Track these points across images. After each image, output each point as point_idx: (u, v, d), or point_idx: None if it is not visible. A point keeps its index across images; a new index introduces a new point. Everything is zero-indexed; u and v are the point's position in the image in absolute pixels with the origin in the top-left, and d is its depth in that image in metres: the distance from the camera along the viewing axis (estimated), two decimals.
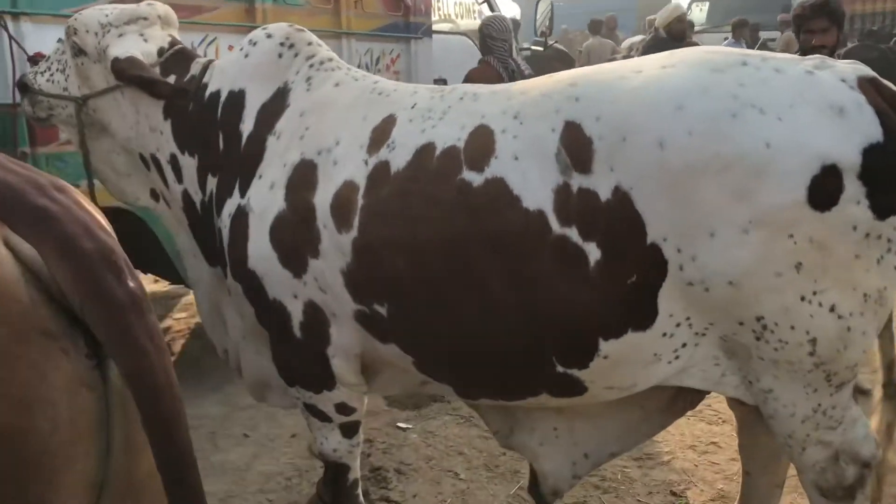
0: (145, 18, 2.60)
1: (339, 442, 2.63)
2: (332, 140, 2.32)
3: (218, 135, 2.51)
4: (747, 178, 1.84)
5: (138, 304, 1.18)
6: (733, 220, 1.86)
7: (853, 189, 1.83)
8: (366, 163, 2.24)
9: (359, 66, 4.92)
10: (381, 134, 2.27)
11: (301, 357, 2.45)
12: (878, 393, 2.27)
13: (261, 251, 2.33)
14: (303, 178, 2.30)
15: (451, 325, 2.16)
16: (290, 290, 2.34)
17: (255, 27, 4.06)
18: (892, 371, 2.25)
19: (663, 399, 2.37)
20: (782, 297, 1.90)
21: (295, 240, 2.28)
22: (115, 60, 2.50)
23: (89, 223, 1.22)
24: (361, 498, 2.79)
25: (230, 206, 2.44)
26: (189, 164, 2.59)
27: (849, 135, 1.82)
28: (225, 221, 2.46)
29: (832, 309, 1.90)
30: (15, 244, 1.14)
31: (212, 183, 2.55)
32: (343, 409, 2.55)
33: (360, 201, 2.21)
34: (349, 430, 2.63)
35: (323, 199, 2.26)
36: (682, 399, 2.36)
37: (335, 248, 2.24)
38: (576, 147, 1.99)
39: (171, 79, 2.58)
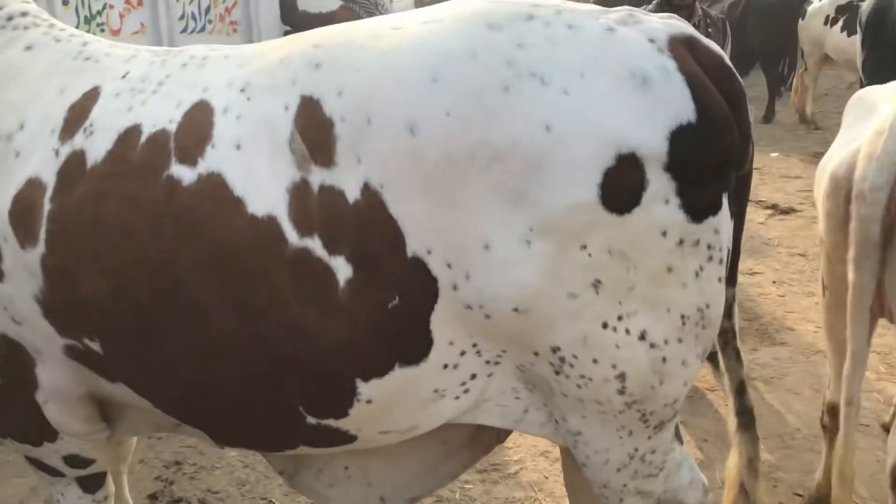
0: None
1: (78, 499, 2.10)
2: (14, 123, 1.74)
3: None
4: (523, 173, 1.39)
5: None
6: (510, 228, 1.41)
7: (659, 184, 1.40)
8: (56, 153, 1.68)
9: (182, 18, 4.30)
10: (79, 113, 1.71)
11: (4, 405, 1.90)
12: (731, 423, 1.89)
13: None
14: None
15: (171, 364, 1.65)
16: None
17: None
18: (742, 395, 1.87)
19: (465, 434, 1.94)
20: (579, 323, 1.47)
21: None
22: None
23: None
24: None
25: None
26: None
27: (652, 113, 1.39)
28: None
29: (642, 336, 1.49)
30: None
31: None
32: (75, 461, 2.02)
33: (48, 206, 1.65)
34: (90, 484, 2.10)
35: (1, 204, 1.69)
36: (488, 433, 1.94)
37: (22, 268, 1.68)
38: (314, 131, 1.49)
39: None
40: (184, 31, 4.33)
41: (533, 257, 1.42)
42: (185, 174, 1.55)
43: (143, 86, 1.70)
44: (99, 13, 3.87)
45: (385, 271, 1.49)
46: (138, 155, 1.60)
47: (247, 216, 1.51)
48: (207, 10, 4.50)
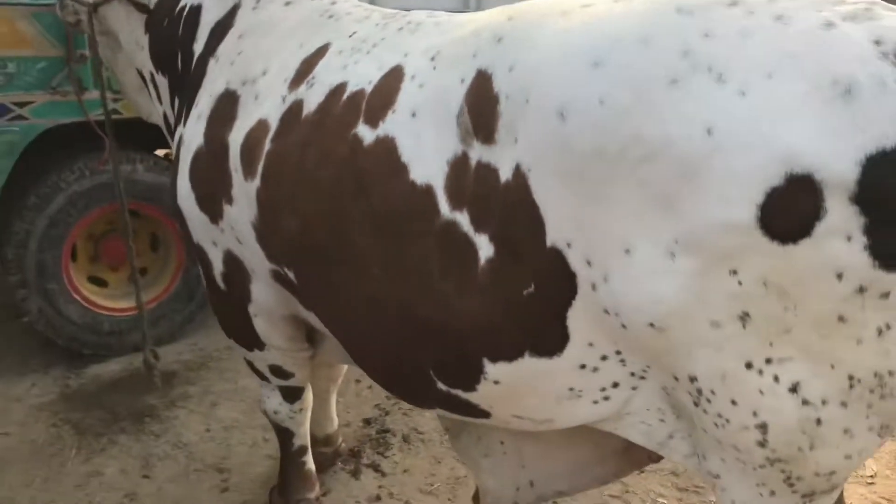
0: None
1: (279, 404, 2.40)
2: (259, 69, 1.98)
3: (177, 53, 2.27)
4: (675, 178, 1.24)
5: None
6: (655, 235, 1.28)
7: (841, 216, 1.15)
8: (283, 100, 1.88)
9: None
10: (308, 66, 1.89)
11: (226, 310, 2.22)
12: None
13: (183, 189, 2.09)
14: (222, 110, 2.00)
15: (341, 307, 1.79)
16: (208, 235, 2.08)
17: None
18: None
19: (617, 443, 1.83)
20: (720, 357, 1.30)
21: (210, 181, 2.00)
22: None
23: None
24: (311, 465, 2.56)
25: (177, 135, 2.22)
26: (162, 83, 2.39)
27: (847, 131, 1.14)
28: (174, 151, 2.24)
29: (793, 388, 1.27)
30: None
31: (177, 106, 2.33)
32: (278, 372, 2.30)
33: (268, 146, 1.86)
34: (290, 395, 2.38)
35: (236, 137, 1.94)
36: (639, 449, 1.80)
37: (244, 196, 1.93)
38: (481, 106, 1.48)
39: None
40: None
41: (675, 272, 1.27)
42: (366, 134, 1.64)
43: (361, 46, 1.82)
44: None
45: (524, 257, 1.44)
46: (338, 111, 1.73)
47: (408, 182, 1.56)
48: None
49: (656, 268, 1.29)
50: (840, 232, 1.16)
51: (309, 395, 2.45)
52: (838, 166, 1.13)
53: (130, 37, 2.46)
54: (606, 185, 1.31)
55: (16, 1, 3.01)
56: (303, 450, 2.51)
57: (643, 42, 1.29)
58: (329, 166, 1.70)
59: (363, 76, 1.73)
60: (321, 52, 1.89)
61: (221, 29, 2.14)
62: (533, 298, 1.46)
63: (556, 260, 1.40)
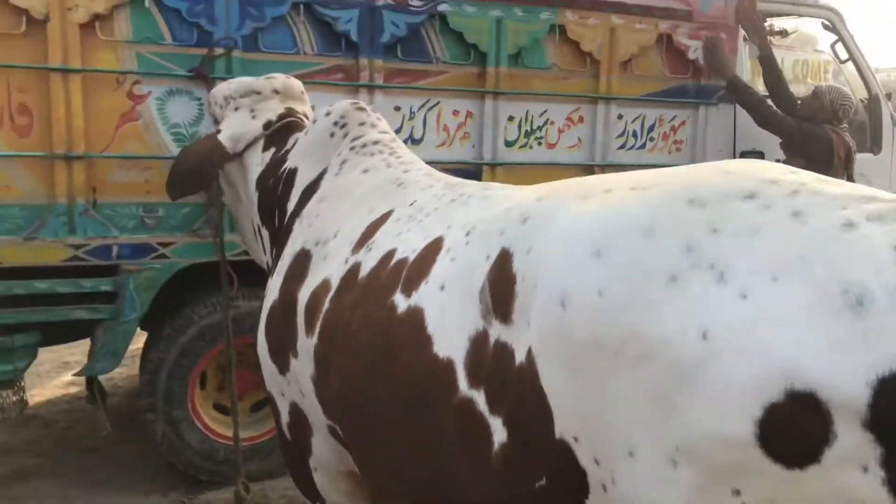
0: (258, 93, 2.67)
1: None
2: (332, 231, 2.10)
3: (275, 211, 2.46)
4: (671, 380, 1.15)
5: None
6: (658, 439, 1.18)
7: (853, 443, 1.01)
8: (346, 261, 1.97)
9: (622, 135, 4.48)
10: (371, 231, 1.98)
11: (290, 459, 2.26)
12: None
13: (260, 338, 2.21)
14: (297, 268, 2.12)
15: (370, 469, 1.79)
16: (277, 386, 2.17)
17: (486, 92, 4.01)
18: None
19: None
20: None
21: (281, 334, 2.11)
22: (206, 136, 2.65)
23: None
24: None
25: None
26: (265, 235, 2.59)
27: (856, 346, 1.01)
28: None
29: None
30: None
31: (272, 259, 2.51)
32: None
33: (326, 305, 1.94)
34: None
35: (304, 295, 2.04)
36: None
37: (305, 352, 2.01)
38: (500, 285, 1.47)
39: (269, 153, 2.59)
40: (621, 147, 4.50)
41: (678, 483, 1.15)
42: (400, 302, 1.67)
43: (416, 214, 1.89)
44: (539, 128, 4.29)
45: (535, 448, 1.37)
46: (384, 276, 1.78)
47: (431, 354, 1.55)
48: (651, 128, 4.59)
49: (659, 476, 1.18)
50: (854, 461, 1.01)
51: None
52: (846, 386, 1.00)
53: (246, 191, 2.71)
54: (608, 379, 1.23)
55: (168, 155, 3.42)
56: None
57: (647, 233, 1.24)
58: (368, 329, 1.73)
59: (410, 245, 1.79)
60: (384, 217, 1.98)
61: (309, 191, 2.30)
62: (545, 493, 1.37)
63: (566, 454, 1.32)
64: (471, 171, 4.11)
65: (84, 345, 3.90)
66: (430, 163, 3.82)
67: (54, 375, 5.52)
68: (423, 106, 3.99)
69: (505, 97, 4.12)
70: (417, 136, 4.02)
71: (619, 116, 4.43)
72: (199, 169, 2.56)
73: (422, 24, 3.86)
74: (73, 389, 5.25)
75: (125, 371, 5.31)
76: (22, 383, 3.67)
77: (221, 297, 3.15)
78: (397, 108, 3.92)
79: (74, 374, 4.14)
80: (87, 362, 3.67)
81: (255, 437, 3.91)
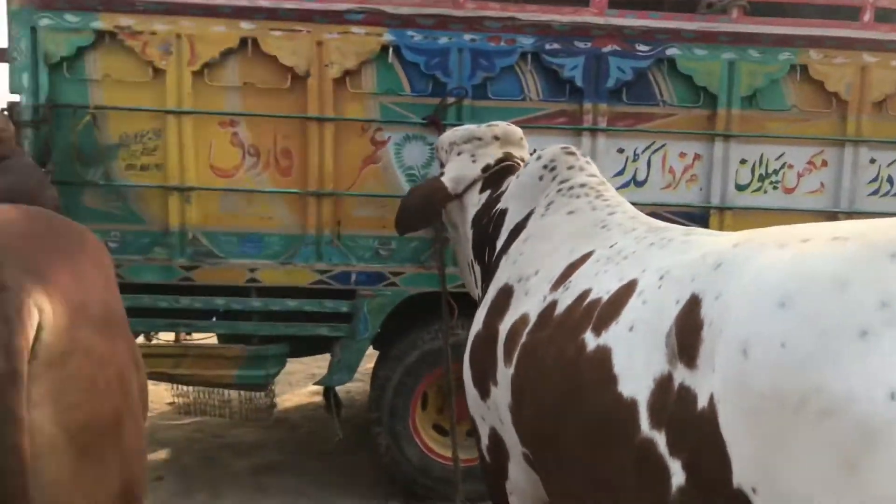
0: (479, 139, 2.87)
1: None
2: (533, 269, 2.21)
3: (486, 248, 2.63)
4: (855, 441, 1.12)
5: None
6: (837, 499, 1.15)
7: None
8: (544, 298, 2.07)
9: (874, 180, 4.14)
10: (570, 270, 2.06)
11: (489, 482, 2.38)
12: None
13: (466, 365, 2.37)
14: (499, 302, 2.26)
15: (556, 498, 1.84)
16: (478, 410, 2.31)
17: (716, 134, 3.95)
18: None
19: None
20: None
21: (483, 363, 2.26)
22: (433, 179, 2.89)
23: None
24: None
25: None
26: (477, 271, 2.77)
27: None
28: None
29: None
30: None
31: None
32: None
33: (524, 338, 2.06)
34: None
35: (504, 327, 2.18)
36: None
37: (503, 381, 2.14)
38: (687, 330, 1.49)
39: (486, 194, 2.78)
40: (873, 193, 4.13)
41: None
42: (591, 341, 1.73)
43: (615, 256, 1.94)
44: (776, 172, 4.08)
45: (713, 494, 1.37)
46: (578, 315, 1.86)
47: (616, 393, 1.60)
48: None
49: None
50: None
51: None
52: None
53: (463, 229, 2.92)
54: (788, 433, 1.21)
55: (401, 194, 3.77)
56: None
57: (839, 286, 1.21)
58: (559, 364, 1.82)
59: (605, 285, 1.85)
60: (584, 258, 2.06)
61: (517, 230, 2.44)
62: None
63: None
64: (697, 215, 4.04)
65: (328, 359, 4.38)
66: (654, 205, 3.86)
67: (303, 385, 6.19)
68: (647, 148, 4.00)
69: (737, 139, 4.00)
70: (641, 178, 4.03)
71: (872, 160, 4.09)
72: (423, 208, 2.82)
73: (648, 68, 3.90)
74: (317, 399, 5.86)
75: (361, 385, 5.83)
76: (273, 388, 4.20)
77: (442, 325, 3.39)
78: (620, 151, 3.97)
79: (314, 384, 4.65)
80: (325, 374, 4.12)
81: (470, 459, 4.10)
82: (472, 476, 4.03)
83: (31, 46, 3.68)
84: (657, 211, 3.81)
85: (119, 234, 3.84)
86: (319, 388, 5.27)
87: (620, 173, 3.98)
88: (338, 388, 4.52)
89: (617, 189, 2.56)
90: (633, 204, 2.35)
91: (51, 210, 2.15)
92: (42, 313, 1.56)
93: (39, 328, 1.56)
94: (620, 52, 3.84)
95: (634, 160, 4.00)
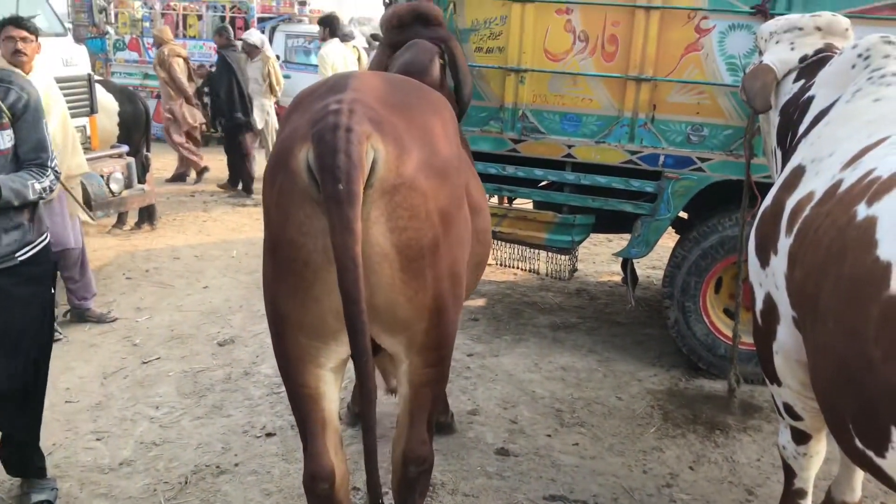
0: (800, 28, 2.93)
1: (787, 441, 2.69)
2: (828, 151, 2.35)
3: (788, 134, 2.77)
4: None
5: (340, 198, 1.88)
6: None
7: None
8: (832, 178, 2.24)
9: None
10: (862, 153, 2.20)
11: (758, 343, 2.65)
12: None
13: (752, 237, 2.62)
14: (791, 180, 2.44)
15: (811, 349, 2.09)
16: (757, 277, 2.57)
17: None
18: None
19: None
20: None
21: (766, 233, 2.49)
22: (750, 70, 3.01)
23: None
24: None
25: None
26: (778, 157, 2.92)
27: None
28: None
29: None
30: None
31: None
32: (790, 411, 2.61)
33: (806, 211, 2.26)
34: (798, 437, 2.64)
35: (791, 202, 2.38)
36: None
37: (783, 250, 2.37)
38: None
39: (799, 84, 2.87)
40: None
41: None
42: (861, 211, 1.92)
43: None
44: None
45: None
46: (857, 190, 2.02)
47: (873, 256, 1.80)
48: None
49: None
50: None
51: (818, 445, 2.65)
52: None
53: (773, 116, 3.06)
54: None
55: (721, 82, 3.93)
56: (801, 493, 2.73)
57: None
58: (831, 231, 2.03)
59: (889, 166, 1.98)
60: (879, 142, 2.17)
61: (821, 116, 2.56)
62: None
63: None
64: None
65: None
66: None
67: (605, 266, 6.68)
68: None
69: None
70: None
71: None
72: (760, 89, 2.94)
73: None
74: (616, 278, 6.32)
75: (661, 273, 6.16)
76: (575, 254, 4.74)
77: (741, 213, 3.58)
78: None
79: (613, 255, 5.10)
80: (625, 247, 4.54)
81: (750, 343, 4.30)
82: (754, 360, 4.22)
83: None
84: None
85: None
86: (620, 271, 5.71)
87: None
88: (639, 274, 4.89)
89: None
90: None
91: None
92: (377, 152, 2.01)
93: (374, 163, 1.99)
94: None
95: None
